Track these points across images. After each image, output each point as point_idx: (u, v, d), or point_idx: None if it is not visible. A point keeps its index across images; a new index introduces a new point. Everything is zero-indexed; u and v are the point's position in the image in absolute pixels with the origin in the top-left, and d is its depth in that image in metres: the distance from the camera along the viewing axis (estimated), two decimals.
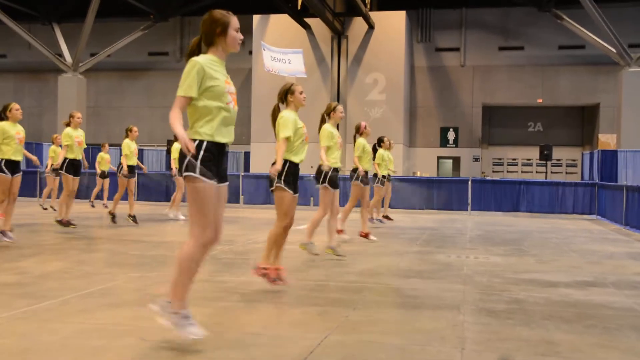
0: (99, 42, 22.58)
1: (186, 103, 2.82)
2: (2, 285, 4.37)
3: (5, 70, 26.14)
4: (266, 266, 4.38)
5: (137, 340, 3.02)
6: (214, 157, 2.85)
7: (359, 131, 7.82)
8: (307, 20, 20.58)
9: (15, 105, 6.56)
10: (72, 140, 7.85)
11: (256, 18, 21.57)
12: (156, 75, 24.71)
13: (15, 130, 6.51)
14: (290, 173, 4.43)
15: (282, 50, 19.21)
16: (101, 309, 3.68)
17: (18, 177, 6.60)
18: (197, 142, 2.82)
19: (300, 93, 4.59)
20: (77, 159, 7.95)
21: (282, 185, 4.35)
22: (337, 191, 5.99)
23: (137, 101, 25.20)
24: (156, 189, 15.26)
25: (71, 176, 7.88)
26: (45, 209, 11.68)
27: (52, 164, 11.58)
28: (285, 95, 4.57)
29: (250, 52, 22.28)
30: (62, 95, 20.95)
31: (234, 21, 2.95)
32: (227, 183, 3.00)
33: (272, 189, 4.43)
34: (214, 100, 2.84)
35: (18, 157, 6.56)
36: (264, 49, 18.80)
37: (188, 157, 2.81)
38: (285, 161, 4.43)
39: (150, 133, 24.03)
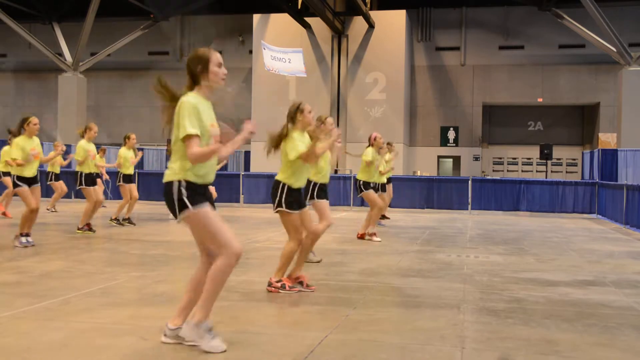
0: (99, 42, 22.57)
1: (196, 142, 2.79)
2: (3, 285, 4.38)
3: (5, 70, 26.15)
4: (280, 278, 4.34)
5: (137, 339, 3.03)
6: (197, 190, 2.87)
7: (369, 141, 7.98)
8: (307, 19, 20.57)
9: (33, 120, 6.52)
10: (86, 155, 7.85)
11: (256, 17, 21.56)
12: (156, 74, 24.63)
13: (30, 146, 6.47)
14: (291, 196, 4.31)
15: (282, 49, 19.21)
16: (102, 308, 3.69)
17: (36, 187, 6.56)
18: (176, 182, 2.85)
19: (309, 112, 4.48)
20: (92, 172, 8.00)
21: (285, 209, 4.26)
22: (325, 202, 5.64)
23: (137, 101, 25.20)
24: (155, 188, 15.25)
25: (92, 188, 7.90)
26: (53, 211, 11.61)
27: (53, 173, 11.50)
28: (294, 115, 4.42)
29: (251, 52, 22.27)
30: (62, 95, 20.95)
31: (215, 57, 2.93)
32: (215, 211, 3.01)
33: (275, 211, 4.34)
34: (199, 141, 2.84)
35: (31, 174, 6.52)
36: (264, 49, 18.80)
37: (175, 199, 2.83)
38: (284, 185, 4.30)
39: (150, 132, 24.02)
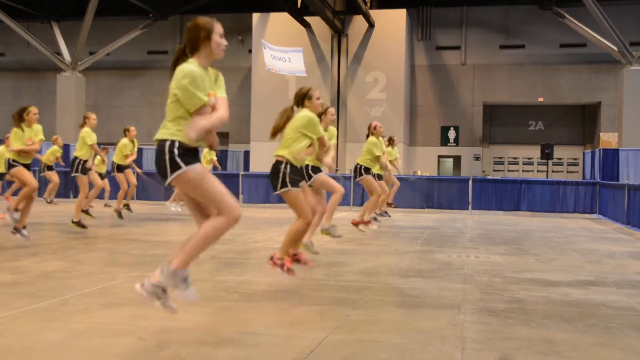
0: (98, 41, 22.57)
1: (203, 110, 2.83)
2: (2, 285, 4.37)
3: (4, 69, 26.14)
4: (282, 256, 4.38)
5: (136, 340, 3.01)
6: (189, 151, 2.90)
7: (369, 130, 8.04)
8: (307, 18, 20.55)
9: (33, 109, 6.55)
10: (94, 140, 7.92)
11: (256, 16, 21.54)
12: (155, 74, 24.70)
13: (27, 136, 6.49)
14: (294, 173, 4.34)
15: (283, 48, 19.20)
16: (101, 309, 3.68)
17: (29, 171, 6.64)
18: (169, 141, 2.86)
19: (317, 99, 4.50)
20: (88, 160, 8.09)
21: (289, 187, 4.26)
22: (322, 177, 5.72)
23: (136, 100, 25.19)
24: (155, 188, 15.25)
25: (86, 177, 7.96)
26: (50, 202, 11.75)
27: (45, 164, 11.61)
28: (302, 99, 4.47)
29: (250, 51, 22.26)
30: (61, 94, 20.96)
31: (218, 27, 2.95)
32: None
33: (277, 193, 4.34)
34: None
35: (24, 161, 6.56)
36: (265, 48, 18.80)
37: (167, 158, 2.83)
38: (287, 163, 4.33)
39: (149, 132, 23.96)
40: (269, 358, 2.80)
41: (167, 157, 2.84)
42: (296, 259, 4.45)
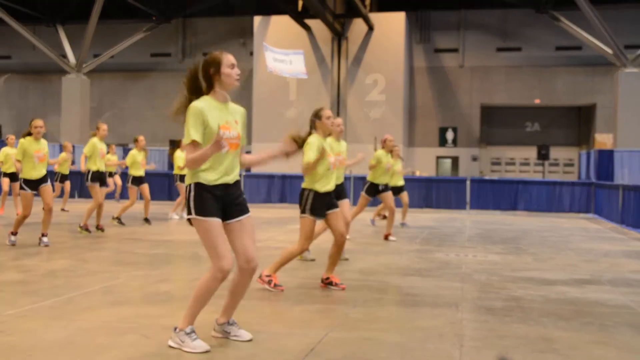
0: (102, 44, 22.59)
1: (196, 148, 2.86)
2: (8, 283, 4.42)
3: (10, 72, 26.17)
4: (270, 274, 4.41)
5: (140, 338, 3.07)
6: (213, 195, 2.91)
7: (381, 144, 7.99)
8: (308, 21, 20.61)
9: (36, 122, 6.45)
10: (94, 150, 7.88)
11: (257, 19, 21.60)
12: (158, 76, 24.75)
13: (35, 149, 6.40)
14: (317, 202, 4.34)
15: (284, 51, 19.24)
16: (105, 307, 3.73)
17: (45, 187, 6.46)
18: (194, 184, 2.91)
19: (328, 118, 4.41)
20: (101, 170, 7.96)
21: (308, 215, 4.32)
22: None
23: (139, 102, 25.23)
24: (158, 188, 15.27)
25: (98, 186, 7.89)
26: (66, 210, 11.80)
27: (60, 173, 11.72)
28: (313, 121, 4.42)
29: (251, 53, 22.30)
30: (66, 96, 20.99)
31: (227, 58, 3.01)
32: (248, 214, 3.01)
33: (300, 216, 4.40)
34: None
35: (36, 176, 6.43)
36: (266, 50, 18.83)
37: (191, 201, 2.89)
38: (309, 191, 4.35)
39: (152, 133, 24.01)
40: (269, 356, 2.85)
41: (187, 199, 2.95)
42: (329, 282, 4.49)
